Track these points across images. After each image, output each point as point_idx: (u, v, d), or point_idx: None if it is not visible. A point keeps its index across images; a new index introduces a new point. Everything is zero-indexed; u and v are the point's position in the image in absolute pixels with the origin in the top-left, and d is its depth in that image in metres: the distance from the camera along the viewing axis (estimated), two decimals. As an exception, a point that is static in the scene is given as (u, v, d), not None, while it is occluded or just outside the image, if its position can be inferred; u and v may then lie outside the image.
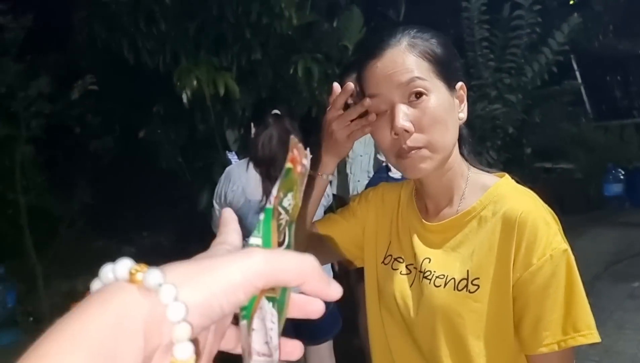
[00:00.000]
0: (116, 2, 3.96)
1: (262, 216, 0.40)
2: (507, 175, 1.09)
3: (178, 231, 6.07)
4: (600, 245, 5.11)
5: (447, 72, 1.00)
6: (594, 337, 0.95)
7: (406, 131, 0.96)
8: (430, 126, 0.97)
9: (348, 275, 2.97)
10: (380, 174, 2.78)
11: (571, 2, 7.64)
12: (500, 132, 4.85)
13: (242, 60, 4.32)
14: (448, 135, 0.99)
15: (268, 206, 0.40)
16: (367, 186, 2.79)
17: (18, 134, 4.32)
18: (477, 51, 4.96)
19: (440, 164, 1.01)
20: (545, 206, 1.02)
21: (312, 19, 4.71)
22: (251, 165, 2.41)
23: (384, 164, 2.76)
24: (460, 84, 1.03)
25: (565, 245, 0.96)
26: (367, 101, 0.99)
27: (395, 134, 0.97)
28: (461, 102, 1.04)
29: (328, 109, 1.07)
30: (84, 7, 4.24)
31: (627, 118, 9.69)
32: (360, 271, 2.99)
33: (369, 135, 2.74)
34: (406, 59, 0.97)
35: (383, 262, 1.15)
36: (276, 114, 2.44)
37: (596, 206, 6.20)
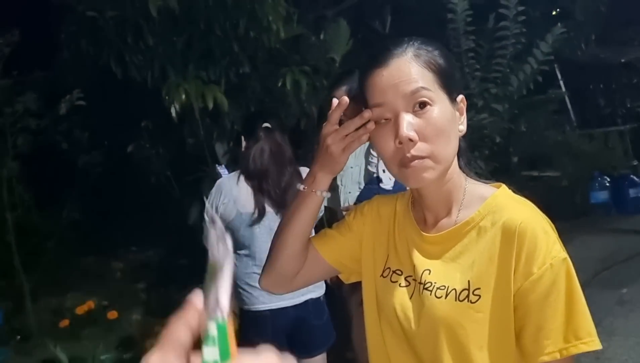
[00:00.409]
0: (103, 17, 3.95)
1: (214, 332, 0.40)
2: (503, 185, 1.10)
3: (167, 246, 6.05)
4: (588, 252, 5.15)
5: (449, 84, 1.01)
6: (595, 344, 0.95)
7: (410, 140, 0.97)
8: (434, 136, 0.98)
9: (340, 287, 2.96)
10: (371, 186, 2.78)
11: (553, 13, 7.75)
12: (487, 141, 4.90)
13: (230, 74, 4.33)
14: (450, 146, 1.01)
15: (220, 321, 0.40)
16: (358, 198, 2.78)
17: (4, 150, 4.29)
18: (463, 61, 5.01)
19: (442, 174, 1.02)
20: (543, 215, 1.03)
21: (300, 32, 4.74)
22: (242, 178, 2.42)
23: (374, 176, 2.77)
24: (461, 96, 1.05)
25: (564, 254, 0.98)
26: (367, 113, 1.00)
27: (400, 143, 0.97)
28: (461, 114, 1.05)
29: (324, 124, 1.06)
30: (71, 22, 4.23)
31: (611, 126, 9.80)
32: (354, 284, 2.98)
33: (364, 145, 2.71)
34: (412, 68, 0.98)
35: (382, 275, 1.15)
36: (267, 127, 2.45)
37: (583, 214, 6.25)
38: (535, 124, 7.20)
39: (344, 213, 2.57)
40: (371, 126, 1.00)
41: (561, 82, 9.33)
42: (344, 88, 2.81)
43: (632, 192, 7.19)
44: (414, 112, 0.98)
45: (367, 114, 1.00)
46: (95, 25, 4.05)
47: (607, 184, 7.16)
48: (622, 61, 10.36)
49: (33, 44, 4.24)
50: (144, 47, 4.08)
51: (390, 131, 0.99)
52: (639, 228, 6.16)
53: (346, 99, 1.03)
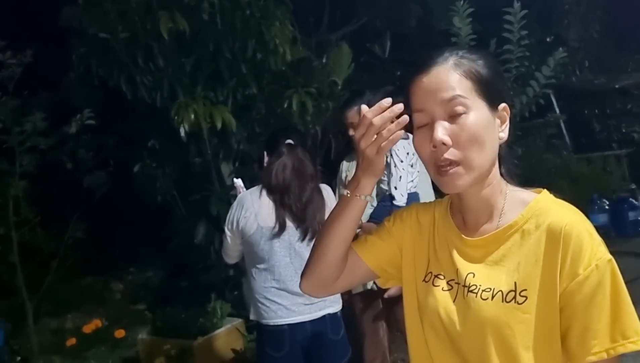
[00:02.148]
0: (115, 38, 4.02)
1: None
2: (545, 190, 1.11)
3: (167, 267, 6.03)
4: (589, 274, 5.13)
5: (489, 92, 1.04)
6: None
7: (444, 144, 1.00)
8: (467, 142, 1.01)
9: (353, 304, 2.98)
10: (384, 203, 2.82)
11: (548, 40, 7.89)
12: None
13: (237, 95, 4.39)
14: (484, 153, 1.03)
15: None
16: (372, 215, 2.83)
17: (12, 168, 4.31)
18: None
19: (477, 181, 1.05)
20: (586, 218, 1.05)
21: (304, 54, 4.82)
22: (264, 192, 2.45)
23: (387, 193, 2.81)
24: (503, 105, 1.07)
25: (609, 255, 0.99)
26: (397, 107, 1.02)
27: (434, 146, 1.01)
28: (503, 122, 1.07)
29: (356, 131, 1.08)
30: (81, 44, 4.29)
31: (606, 150, 9.91)
32: (366, 300, 2.98)
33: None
34: (450, 76, 1.02)
35: (423, 280, 1.16)
36: (290, 143, 2.50)
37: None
38: (534, 147, 7.29)
39: (358, 231, 2.61)
40: (404, 120, 1.02)
41: (556, 107, 9.46)
42: (355, 108, 2.87)
43: (631, 215, 7.23)
44: (450, 119, 1.01)
45: (397, 108, 1.02)
46: (106, 47, 4.11)
47: (607, 207, 7.20)
48: (616, 86, 10.53)
49: (44, 64, 4.28)
50: (153, 67, 4.14)
51: (428, 136, 1.03)
52: (639, 251, 6.20)
53: (366, 108, 1.05)
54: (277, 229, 2.38)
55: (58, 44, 4.41)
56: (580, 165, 7.80)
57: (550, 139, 8.38)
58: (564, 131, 9.83)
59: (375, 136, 1.04)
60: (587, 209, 7.03)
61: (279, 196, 2.42)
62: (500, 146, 1.08)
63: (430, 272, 1.15)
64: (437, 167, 1.03)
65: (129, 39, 4.05)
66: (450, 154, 1.01)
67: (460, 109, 1.01)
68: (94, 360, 4.34)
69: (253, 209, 2.42)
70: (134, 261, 6.53)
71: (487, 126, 1.03)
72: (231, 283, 4.80)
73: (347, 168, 3.14)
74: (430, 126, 1.03)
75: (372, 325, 2.95)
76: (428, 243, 1.19)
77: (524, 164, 6.65)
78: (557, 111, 9.44)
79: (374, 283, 2.76)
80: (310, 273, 1.20)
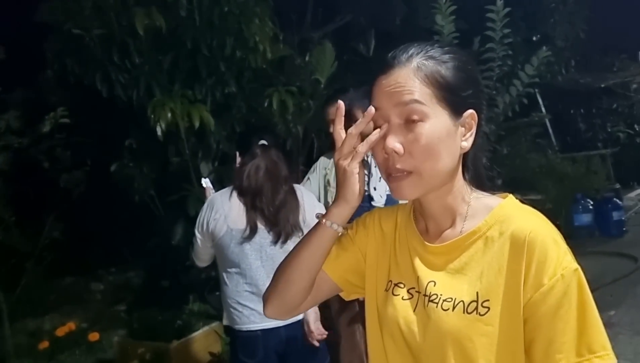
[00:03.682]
0: (90, 35, 3.93)
1: None
2: (510, 195, 1.07)
3: (148, 267, 5.95)
4: (572, 274, 5.14)
5: (453, 100, 0.98)
6: (610, 358, 0.92)
7: (395, 152, 0.96)
8: (421, 152, 0.96)
9: (329, 308, 2.93)
10: (363, 204, 2.77)
11: (534, 39, 7.89)
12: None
13: (216, 93, 4.32)
14: (439, 164, 0.97)
15: None
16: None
17: (-15, 168, 4.22)
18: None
19: (430, 190, 1.00)
20: (552, 225, 1.00)
21: (286, 52, 4.76)
22: (234, 194, 2.39)
23: (366, 193, 2.76)
24: (469, 111, 1.00)
25: (575, 264, 0.95)
26: (372, 108, 0.98)
27: (386, 153, 0.97)
28: (468, 130, 1.01)
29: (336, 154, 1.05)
30: (56, 40, 4.19)
31: (591, 150, 9.96)
32: (342, 304, 2.94)
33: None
34: (409, 80, 0.96)
35: (385, 289, 1.11)
36: (263, 144, 2.43)
37: (567, 236, 6.23)
38: (519, 147, 7.29)
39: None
40: (374, 136, 0.99)
41: (542, 106, 9.48)
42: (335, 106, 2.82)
43: (615, 215, 7.25)
44: (406, 124, 0.96)
45: (372, 110, 0.98)
46: (81, 44, 4.02)
47: (591, 207, 7.21)
48: (602, 86, 10.57)
49: (17, 61, 4.19)
50: (130, 65, 4.06)
51: (381, 141, 0.98)
52: (624, 251, 6.19)
53: (341, 103, 1.03)
54: (247, 232, 2.32)
55: (33, 41, 4.30)
56: (565, 165, 7.81)
57: (536, 139, 8.40)
58: (550, 131, 9.86)
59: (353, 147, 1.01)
60: (572, 209, 7.05)
61: (251, 198, 2.35)
62: (467, 153, 1.03)
63: (390, 281, 1.10)
64: (388, 174, 0.99)
65: (104, 35, 3.96)
66: (402, 163, 0.96)
67: (415, 117, 0.95)
68: (68, 364, 4.25)
69: (223, 211, 2.36)
70: (115, 262, 6.44)
71: (444, 136, 0.97)
72: (210, 284, 4.73)
73: (327, 166, 3.08)
74: (383, 129, 0.98)
75: (348, 328, 2.91)
76: (390, 250, 1.14)
77: (509, 163, 6.68)
78: (543, 110, 9.46)
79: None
80: (273, 299, 1.15)
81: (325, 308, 2.79)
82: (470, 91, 1.01)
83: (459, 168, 1.04)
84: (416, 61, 0.98)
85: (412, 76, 0.97)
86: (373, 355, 1.14)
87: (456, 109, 0.98)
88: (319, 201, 2.77)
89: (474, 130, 1.02)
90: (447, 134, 0.97)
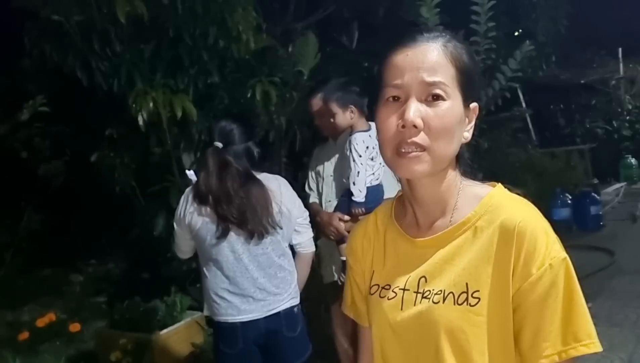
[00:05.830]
0: (69, 22, 3.85)
1: None
2: (499, 185, 1.08)
3: (128, 258, 5.90)
4: (551, 268, 5.22)
5: (468, 86, 0.99)
6: (595, 346, 0.94)
7: (415, 126, 0.94)
8: (438, 131, 0.95)
9: (325, 305, 2.95)
10: (344, 199, 2.80)
11: (516, 34, 7.94)
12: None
13: (199, 83, 4.28)
14: (451, 147, 0.98)
15: None
16: (335, 209, 2.82)
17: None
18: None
19: (434, 172, 0.99)
20: (541, 214, 1.01)
21: (269, 43, 4.72)
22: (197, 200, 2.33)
23: (347, 188, 2.77)
24: (475, 104, 1.02)
25: (564, 254, 0.96)
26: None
27: (403, 126, 0.95)
28: (470, 121, 1.03)
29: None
30: (34, 27, 4.10)
31: (571, 145, 10.09)
32: (336, 290, 2.95)
33: (338, 155, 2.75)
34: (438, 58, 0.96)
35: (370, 293, 1.12)
36: (215, 147, 2.33)
37: (546, 229, 6.34)
38: (499, 141, 7.34)
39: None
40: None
41: (522, 101, 9.56)
42: (319, 95, 2.81)
43: (593, 209, 7.37)
44: (426, 102, 0.96)
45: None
46: (60, 31, 3.94)
47: (569, 201, 7.31)
48: (582, 82, 10.69)
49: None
50: (110, 53, 3.99)
51: (397, 112, 0.96)
52: (600, 245, 6.31)
53: None
54: (219, 233, 2.28)
55: (10, 27, 4.21)
56: (544, 159, 7.90)
57: (516, 133, 8.47)
58: (530, 125, 9.96)
59: None
60: (550, 203, 7.13)
61: (213, 205, 2.28)
62: (462, 145, 1.03)
63: (376, 284, 1.11)
64: (398, 148, 0.96)
65: (84, 22, 3.88)
66: (419, 138, 0.95)
67: (441, 93, 0.95)
68: (48, 355, 4.20)
69: (196, 204, 2.33)
70: (95, 253, 6.37)
71: (459, 120, 0.98)
72: (193, 276, 4.70)
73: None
74: (402, 102, 0.96)
75: (342, 315, 2.93)
76: (375, 256, 1.15)
77: (489, 158, 6.71)
78: (524, 105, 9.54)
79: (342, 275, 2.75)
80: None
81: (320, 305, 2.80)
82: (477, 83, 1.04)
83: (454, 158, 1.04)
84: (442, 40, 0.98)
85: (442, 53, 0.97)
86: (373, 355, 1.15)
87: (466, 98, 0.99)
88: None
89: (473, 123, 1.04)
90: (460, 120, 0.99)
